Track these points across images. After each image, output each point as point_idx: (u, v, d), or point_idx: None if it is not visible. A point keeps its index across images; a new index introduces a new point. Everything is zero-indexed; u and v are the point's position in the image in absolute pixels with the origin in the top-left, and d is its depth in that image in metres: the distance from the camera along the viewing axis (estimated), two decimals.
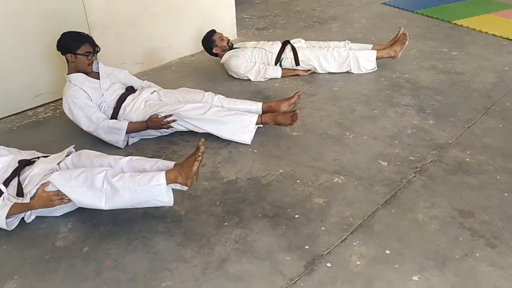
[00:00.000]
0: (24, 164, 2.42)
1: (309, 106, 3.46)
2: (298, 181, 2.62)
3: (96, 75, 3.16)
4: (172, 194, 2.27)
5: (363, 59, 3.93)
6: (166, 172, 2.23)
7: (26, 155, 2.53)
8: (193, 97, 3.17)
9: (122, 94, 3.15)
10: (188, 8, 4.47)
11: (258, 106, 3.17)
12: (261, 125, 3.08)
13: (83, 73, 3.07)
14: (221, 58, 4.04)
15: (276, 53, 3.97)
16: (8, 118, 3.52)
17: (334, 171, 2.69)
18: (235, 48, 4.06)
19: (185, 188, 2.30)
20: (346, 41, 4.14)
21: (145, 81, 3.46)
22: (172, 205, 2.29)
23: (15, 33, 3.40)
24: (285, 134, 3.10)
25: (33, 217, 2.37)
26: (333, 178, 2.62)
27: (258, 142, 3.01)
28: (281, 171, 2.71)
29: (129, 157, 2.44)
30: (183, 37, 4.52)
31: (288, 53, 3.97)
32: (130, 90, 3.22)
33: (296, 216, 2.35)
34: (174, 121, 2.99)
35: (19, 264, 2.13)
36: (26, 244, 2.25)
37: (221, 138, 3.00)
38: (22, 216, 2.33)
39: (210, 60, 4.35)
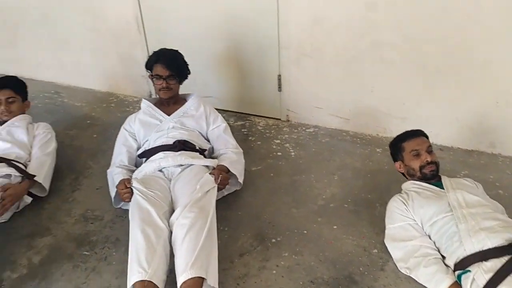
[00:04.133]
0: None
1: None
2: None
3: (173, 109, 2.43)
4: None
5: None
6: None
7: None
8: (180, 202, 1.92)
9: (162, 146, 2.28)
10: (455, 71, 2.45)
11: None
12: None
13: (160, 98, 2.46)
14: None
15: (471, 252, 1.68)
16: None
17: None
18: (434, 184, 1.99)
19: None
20: None
21: (231, 151, 2.35)
22: None
23: (200, 33, 2.98)
24: None
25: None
26: None
27: None
28: None
29: None
30: (436, 114, 2.59)
31: (484, 272, 1.60)
32: (176, 145, 2.25)
33: None
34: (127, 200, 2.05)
35: None
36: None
37: None
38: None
39: None
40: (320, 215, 2.19)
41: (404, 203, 1.96)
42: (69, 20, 3.39)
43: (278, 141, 2.80)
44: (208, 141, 2.45)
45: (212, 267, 1.69)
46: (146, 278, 1.61)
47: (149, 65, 2.41)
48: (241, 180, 2.26)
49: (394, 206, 1.97)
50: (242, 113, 3.13)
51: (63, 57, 3.62)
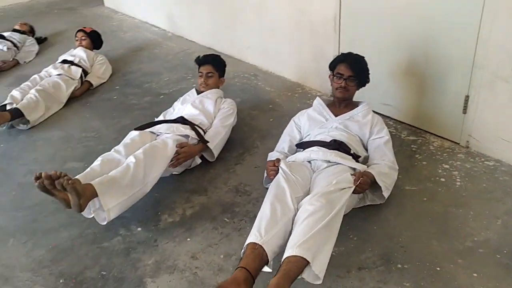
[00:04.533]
0: None
1: None
2: None
3: (341, 111, 2.50)
4: None
5: None
6: None
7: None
8: (313, 191, 1.95)
9: (319, 141, 2.34)
10: None
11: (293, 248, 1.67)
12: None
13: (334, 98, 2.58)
14: None
15: None
16: None
17: None
18: None
19: None
20: None
21: (385, 163, 2.26)
22: None
23: (391, 41, 2.90)
24: None
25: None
26: None
27: None
28: None
29: None
30: None
31: None
32: (332, 143, 2.29)
33: None
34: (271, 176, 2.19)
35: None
36: None
37: None
38: None
39: None
40: (463, 257, 1.95)
41: None
42: (279, 11, 3.69)
43: (447, 166, 2.56)
44: (367, 150, 2.42)
45: (322, 256, 1.69)
46: (258, 242, 1.72)
47: (333, 64, 2.51)
48: (385, 194, 2.17)
49: None
50: (418, 128, 2.94)
51: (268, 44, 3.97)
